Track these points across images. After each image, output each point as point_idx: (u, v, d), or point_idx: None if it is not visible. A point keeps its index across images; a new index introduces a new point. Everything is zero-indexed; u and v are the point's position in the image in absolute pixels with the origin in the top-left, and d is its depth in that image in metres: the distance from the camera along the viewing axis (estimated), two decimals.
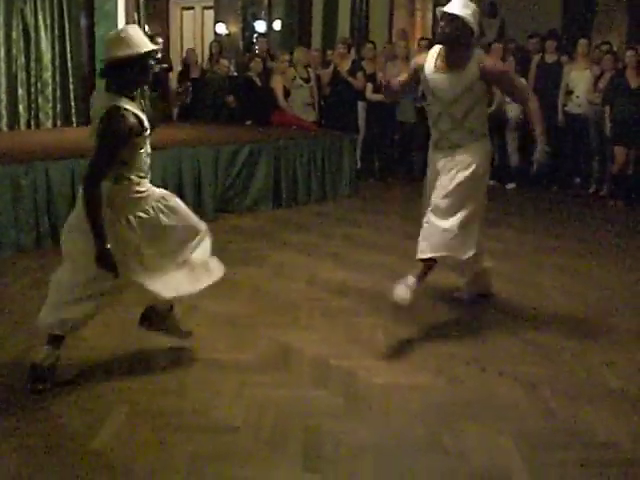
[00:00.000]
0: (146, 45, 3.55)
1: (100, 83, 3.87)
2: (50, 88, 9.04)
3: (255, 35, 13.57)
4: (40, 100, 8.98)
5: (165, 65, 11.06)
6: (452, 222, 4.35)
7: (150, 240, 3.74)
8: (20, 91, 8.77)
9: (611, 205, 8.68)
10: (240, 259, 5.93)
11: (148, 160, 3.74)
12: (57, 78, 9.11)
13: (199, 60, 11.21)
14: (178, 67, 11.65)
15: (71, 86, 9.22)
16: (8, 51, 8.64)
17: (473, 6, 4.31)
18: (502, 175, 9.83)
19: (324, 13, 12.78)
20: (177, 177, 7.15)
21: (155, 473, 2.97)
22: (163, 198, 3.82)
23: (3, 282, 5.36)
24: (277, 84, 9.31)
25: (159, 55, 11.00)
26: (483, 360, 4.15)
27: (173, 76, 11.07)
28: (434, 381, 3.88)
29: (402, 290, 4.18)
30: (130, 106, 3.55)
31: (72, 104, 9.25)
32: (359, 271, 5.58)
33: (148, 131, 3.66)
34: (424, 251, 4.34)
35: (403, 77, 4.81)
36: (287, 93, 9.37)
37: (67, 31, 9.14)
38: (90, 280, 3.70)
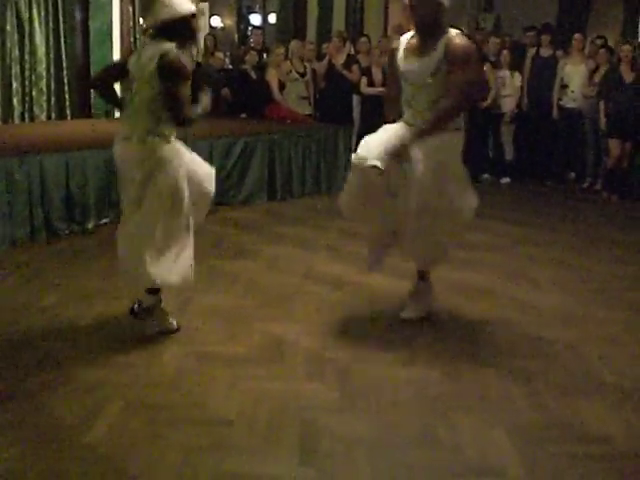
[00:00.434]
0: (187, 7, 3.92)
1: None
2: (44, 81, 9.03)
3: (250, 28, 13.58)
4: (34, 93, 8.97)
5: None
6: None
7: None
8: (14, 84, 8.76)
9: (605, 199, 8.69)
10: (235, 252, 5.94)
11: None
12: (51, 71, 9.10)
13: (194, 53, 11.17)
14: None
15: (65, 79, 9.20)
16: (2, 44, 8.63)
17: None
18: (497, 169, 9.85)
19: (319, 6, 12.76)
20: None
21: (149, 466, 2.98)
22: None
23: None
24: (272, 77, 9.29)
25: None
26: (477, 353, 4.15)
27: None
28: (429, 374, 3.88)
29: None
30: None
31: (66, 97, 9.24)
32: (354, 264, 5.58)
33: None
34: None
35: (390, 81, 4.59)
36: (282, 86, 9.35)
37: (61, 24, 9.13)
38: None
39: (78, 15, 9.40)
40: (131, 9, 9.74)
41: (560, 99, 9.31)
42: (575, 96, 9.19)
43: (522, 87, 9.56)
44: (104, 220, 6.67)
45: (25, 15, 8.78)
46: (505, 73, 9.57)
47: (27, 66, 8.87)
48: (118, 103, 4.45)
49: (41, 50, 8.97)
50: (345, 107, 9.77)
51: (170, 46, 3.84)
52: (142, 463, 3.00)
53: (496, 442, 3.22)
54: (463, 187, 4.35)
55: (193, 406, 3.48)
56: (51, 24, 9.05)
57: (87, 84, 4.29)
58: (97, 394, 3.56)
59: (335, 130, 8.86)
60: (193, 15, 3.94)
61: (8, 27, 8.63)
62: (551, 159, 9.63)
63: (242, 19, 14.38)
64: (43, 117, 9.05)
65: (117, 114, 9.61)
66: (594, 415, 3.47)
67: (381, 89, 9.33)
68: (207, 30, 13.73)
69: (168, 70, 3.82)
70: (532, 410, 3.52)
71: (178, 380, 3.75)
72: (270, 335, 4.32)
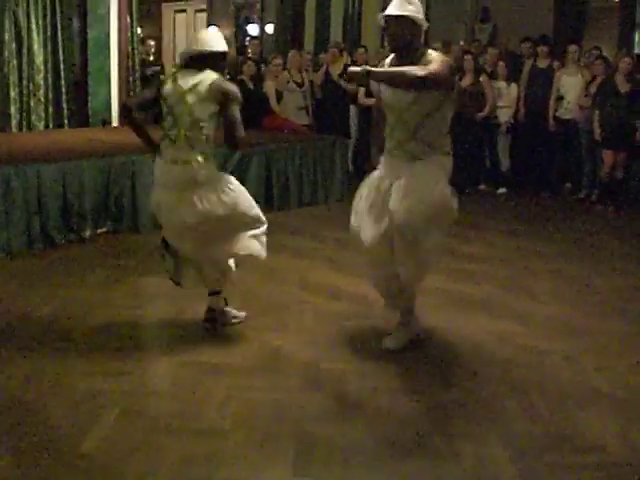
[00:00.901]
0: (222, 46, 4.30)
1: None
2: (42, 90, 9.04)
3: (248, 38, 13.60)
4: (32, 102, 8.98)
5: (157, 67, 11.07)
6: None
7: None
8: (12, 93, 8.77)
9: (601, 210, 8.71)
10: None
11: None
12: (49, 80, 9.12)
13: None
14: (171, 70, 11.65)
15: (63, 88, 9.22)
16: (0, 53, 8.64)
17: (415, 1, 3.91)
18: (493, 180, 9.86)
19: (317, 17, 12.80)
20: None
21: (145, 476, 2.97)
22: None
23: None
24: (269, 88, 9.31)
25: (151, 58, 11.05)
26: (474, 364, 4.16)
27: None
28: (425, 385, 3.89)
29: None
30: None
31: (64, 106, 9.25)
32: (351, 275, 5.58)
33: None
34: None
35: (375, 105, 4.44)
36: (279, 97, 9.37)
37: (59, 34, 9.15)
38: None
39: (76, 25, 9.43)
40: (129, 19, 9.75)
41: (556, 110, 9.34)
42: (571, 107, 9.21)
43: (519, 98, 9.60)
44: (101, 229, 6.68)
45: (23, 24, 8.80)
46: (502, 84, 9.61)
47: (25, 75, 8.88)
48: (149, 137, 4.55)
49: (39, 59, 8.98)
50: (342, 117, 9.80)
51: (215, 74, 4.20)
52: (137, 472, 3.00)
53: (492, 452, 3.22)
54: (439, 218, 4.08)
55: (189, 416, 3.48)
56: (49, 33, 9.07)
57: (123, 115, 4.52)
58: (93, 403, 3.56)
59: (332, 141, 8.87)
60: (224, 53, 4.30)
61: (6, 36, 8.65)
62: (547, 170, 9.65)
63: (240, 29, 14.40)
64: (41, 126, 9.06)
65: (114, 124, 9.66)
66: (590, 425, 3.48)
67: None
68: None
69: (223, 95, 4.18)
70: (528, 420, 3.53)
71: (174, 390, 3.76)
72: (266, 345, 4.32)
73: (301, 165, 8.44)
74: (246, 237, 4.42)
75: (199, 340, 4.39)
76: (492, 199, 9.37)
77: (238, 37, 14.39)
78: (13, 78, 8.76)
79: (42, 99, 9.04)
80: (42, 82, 9.03)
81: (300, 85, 9.53)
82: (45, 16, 9.00)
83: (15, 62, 8.78)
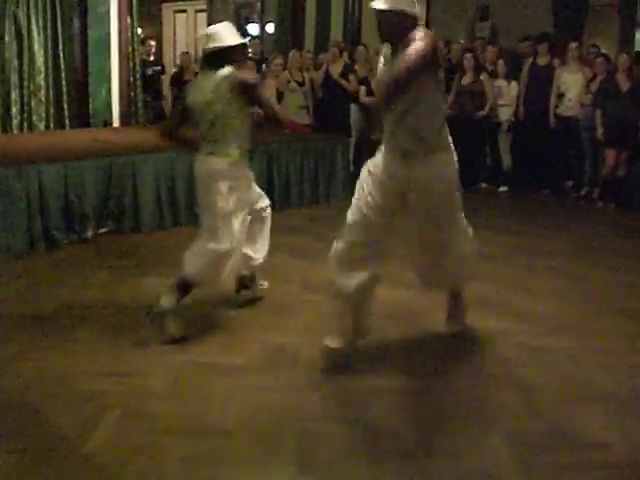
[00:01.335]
0: (233, 39, 4.42)
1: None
2: (43, 91, 9.05)
3: (248, 38, 13.59)
4: (33, 103, 8.99)
5: (158, 68, 11.09)
6: None
7: None
8: (13, 94, 8.78)
9: (602, 208, 8.70)
10: None
11: None
12: (50, 81, 9.12)
13: (192, 63, 11.21)
14: (171, 70, 11.67)
15: (64, 89, 9.23)
16: (1, 54, 8.65)
17: None
18: (494, 178, 9.86)
19: (317, 16, 12.79)
20: (170, 180, 7.15)
21: (147, 476, 2.98)
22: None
23: None
24: (270, 88, 9.31)
25: (152, 58, 11.06)
26: (476, 362, 4.16)
27: (166, 79, 11.08)
28: (426, 383, 3.89)
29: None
30: None
31: (65, 107, 9.26)
32: None
33: None
34: None
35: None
36: (280, 96, 9.37)
37: (60, 34, 9.16)
38: None
39: (76, 25, 9.44)
40: (129, 19, 9.76)
41: (557, 108, 9.33)
42: (572, 105, 9.21)
43: (519, 96, 9.59)
44: (102, 230, 6.69)
45: (24, 25, 8.81)
46: (502, 82, 9.62)
47: (26, 76, 8.89)
48: (191, 143, 4.68)
49: (40, 60, 8.99)
50: (343, 116, 9.79)
51: (228, 70, 4.31)
52: (140, 473, 3.00)
53: (494, 450, 3.22)
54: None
55: (191, 416, 3.49)
56: (50, 34, 9.08)
57: (164, 141, 4.66)
58: (95, 404, 3.56)
59: (333, 140, 8.87)
60: (233, 47, 4.39)
61: (7, 37, 8.66)
62: (548, 168, 9.64)
63: (240, 29, 14.40)
64: (42, 127, 9.07)
65: (115, 123, 9.66)
66: (592, 423, 3.48)
67: None
68: None
69: (241, 85, 4.32)
70: (530, 418, 3.53)
71: (176, 390, 3.76)
72: (269, 345, 4.33)
73: (302, 164, 8.43)
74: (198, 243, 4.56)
75: (201, 340, 4.39)
76: (493, 197, 9.37)
77: None
78: (14, 79, 8.77)
79: (43, 100, 9.05)
80: (43, 83, 9.04)
81: (301, 84, 9.53)
82: (45, 17, 9.02)
83: (16, 63, 8.79)
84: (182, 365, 4.04)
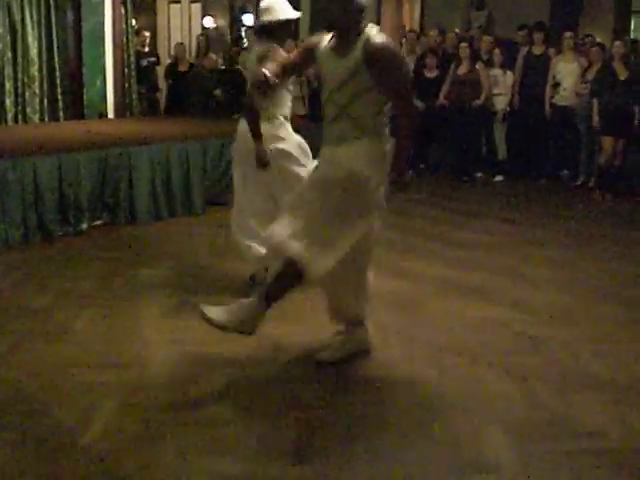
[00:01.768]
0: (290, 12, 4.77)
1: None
2: (37, 82, 9.01)
3: (243, 29, 13.57)
4: (27, 95, 8.95)
5: (153, 59, 11.05)
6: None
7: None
8: (7, 85, 8.73)
9: (598, 196, 8.70)
10: (229, 253, 5.92)
11: None
12: (44, 72, 9.08)
13: (187, 54, 11.19)
14: (166, 61, 11.63)
15: (58, 80, 9.18)
16: None
17: None
18: (490, 167, 9.86)
19: (312, 6, 12.75)
20: (166, 171, 7.14)
21: (145, 468, 2.97)
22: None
23: None
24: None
25: (146, 49, 11.02)
26: (473, 351, 4.16)
27: (161, 70, 11.05)
28: (424, 372, 3.89)
29: None
30: None
31: (59, 98, 9.22)
32: None
33: None
34: None
35: (287, 59, 4.12)
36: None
37: (54, 25, 9.11)
38: None
39: (70, 17, 9.38)
40: (123, 10, 9.71)
41: (552, 97, 9.33)
42: (567, 94, 9.21)
43: (514, 85, 9.59)
44: (98, 222, 6.68)
45: (17, 17, 8.76)
46: (497, 72, 9.60)
47: (20, 68, 8.85)
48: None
49: (33, 51, 8.95)
50: None
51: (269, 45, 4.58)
52: (138, 464, 2.99)
53: (492, 439, 3.22)
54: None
55: (188, 407, 3.48)
56: (43, 25, 9.03)
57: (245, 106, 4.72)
58: (92, 395, 3.55)
59: None
60: (288, 21, 4.75)
61: (0, 29, 8.61)
62: (544, 157, 9.65)
63: (235, 19, 14.37)
64: (36, 119, 9.03)
65: (110, 115, 9.62)
66: (589, 411, 3.48)
67: None
68: (199, 31, 13.71)
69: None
70: (528, 407, 3.53)
71: (173, 381, 3.75)
72: (265, 336, 4.30)
73: None
74: None
75: (198, 331, 4.37)
76: (489, 187, 9.38)
77: (233, 27, 14.35)
78: (8, 70, 8.73)
79: (37, 91, 9.01)
80: (37, 74, 8.99)
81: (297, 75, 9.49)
82: (39, 8, 8.96)
83: (10, 54, 8.74)
84: (179, 356, 4.03)
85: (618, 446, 3.18)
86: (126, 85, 9.88)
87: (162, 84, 10.90)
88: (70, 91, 9.40)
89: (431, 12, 13.04)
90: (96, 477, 2.90)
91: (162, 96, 10.88)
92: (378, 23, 12.73)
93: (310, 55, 3.84)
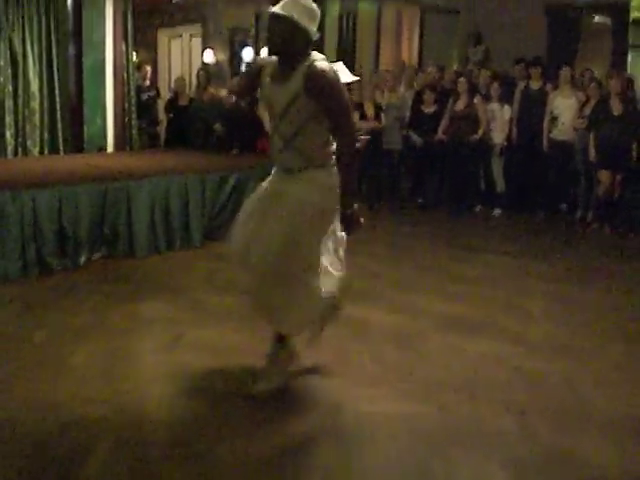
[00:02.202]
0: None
1: None
2: (38, 116, 9.05)
3: (244, 64, 13.66)
4: (27, 128, 8.99)
5: (153, 93, 11.13)
6: None
7: None
8: (7, 119, 8.77)
9: (597, 230, 8.72)
10: (227, 287, 5.91)
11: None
12: (45, 106, 9.12)
13: (187, 88, 11.26)
14: (167, 94, 11.70)
15: (58, 114, 9.23)
16: None
17: (306, 3, 3.60)
18: (488, 201, 9.89)
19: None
20: (165, 204, 7.15)
21: None
22: None
23: None
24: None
25: (147, 83, 11.10)
26: (472, 387, 4.14)
27: (161, 103, 11.11)
28: (423, 409, 3.87)
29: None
30: None
31: (59, 132, 9.26)
32: (346, 298, 5.56)
33: None
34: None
35: (242, 80, 4.18)
36: None
37: (55, 60, 9.17)
38: None
39: (71, 51, 9.45)
40: (124, 46, 9.79)
41: (550, 131, 9.38)
42: (565, 129, 9.26)
43: (512, 120, 9.64)
44: (96, 255, 6.67)
45: (19, 50, 8.83)
46: (495, 106, 9.66)
47: (20, 101, 8.89)
48: None
49: (34, 85, 9.00)
50: None
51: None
52: None
53: (491, 475, 3.20)
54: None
55: (186, 443, 3.45)
56: (45, 59, 9.09)
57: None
58: (89, 431, 3.53)
59: None
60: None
61: (2, 62, 8.67)
62: (542, 191, 9.68)
63: (235, 54, 14.47)
64: (36, 152, 9.07)
65: (109, 149, 9.67)
66: (589, 446, 3.46)
67: (373, 123, 9.47)
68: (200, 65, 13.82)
69: None
70: (526, 443, 3.50)
71: (169, 417, 3.72)
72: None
73: None
74: None
75: (194, 366, 4.36)
76: (487, 220, 9.39)
77: (233, 62, 14.46)
78: (8, 104, 8.77)
79: (37, 124, 9.06)
80: (37, 107, 9.04)
81: None
82: (40, 42, 9.03)
83: (10, 88, 8.79)
84: (176, 391, 4.01)
85: None
86: (126, 120, 9.93)
87: (162, 117, 10.96)
88: (70, 125, 9.45)
89: (429, 48, 13.15)
90: None
91: (162, 129, 10.93)
92: (376, 59, 12.91)
93: (258, 77, 3.90)
